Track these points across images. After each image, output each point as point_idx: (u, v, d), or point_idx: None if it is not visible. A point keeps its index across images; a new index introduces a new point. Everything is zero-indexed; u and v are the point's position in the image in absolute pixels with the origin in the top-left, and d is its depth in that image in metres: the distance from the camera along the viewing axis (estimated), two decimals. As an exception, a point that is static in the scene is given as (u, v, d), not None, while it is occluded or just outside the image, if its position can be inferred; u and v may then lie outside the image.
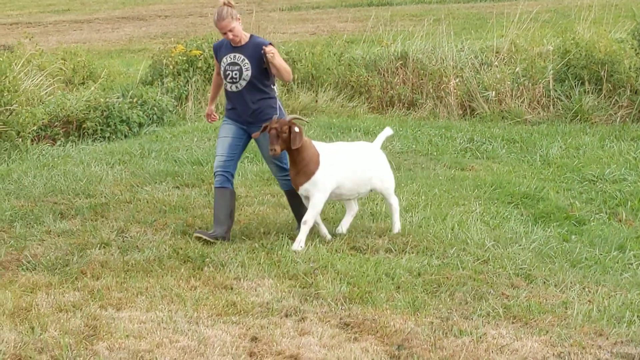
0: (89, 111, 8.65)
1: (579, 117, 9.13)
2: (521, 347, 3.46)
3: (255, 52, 5.07)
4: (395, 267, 4.48)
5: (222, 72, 5.23)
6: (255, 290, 4.12)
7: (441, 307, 3.92)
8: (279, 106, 5.26)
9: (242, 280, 4.28)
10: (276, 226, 5.31)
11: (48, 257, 4.71)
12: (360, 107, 10.40)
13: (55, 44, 16.02)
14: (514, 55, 10.50)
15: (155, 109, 9.39)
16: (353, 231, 5.23)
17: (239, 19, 5.07)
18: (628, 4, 13.74)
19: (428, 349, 3.42)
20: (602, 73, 9.19)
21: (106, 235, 5.16)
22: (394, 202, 5.33)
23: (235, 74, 5.16)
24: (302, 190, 5.09)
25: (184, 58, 10.27)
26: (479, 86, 9.92)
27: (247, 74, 5.12)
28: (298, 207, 5.30)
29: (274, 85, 5.32)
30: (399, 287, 4.20)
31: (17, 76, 8.52)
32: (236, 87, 5.17)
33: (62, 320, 3.66)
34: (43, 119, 8.31)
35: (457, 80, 10.12)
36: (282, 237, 5.03)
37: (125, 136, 8.76)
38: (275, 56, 4.97)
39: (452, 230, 5.23)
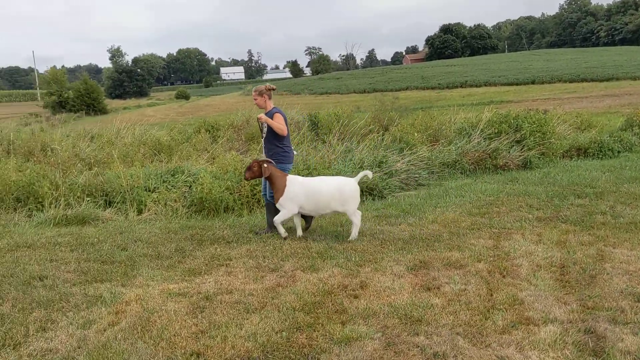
0: (590, 143, 13.21)
1: None
2: None
3: (269, 117, 6.86)
4: None
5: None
6: None
7: None
8: (282, 154, 6.90)
9: None
10: None
11: (575, 215, 7.59)
12: None
13: (568, 109, 25.28)
14: None
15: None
16: None
17: (264, 96, 6.97)
18: None
19: None
20: None
21: (604, 208, 7.90)
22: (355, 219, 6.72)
23: (261, 128, 7.02)
24: (277, 206, 6.75)
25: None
26: None
27: (264, 130, 7.00)
28: (270, 215, 7.07)
29: (282, 141, 6.91)
30: None
31: (552, 125, 13.66)
32: (262, 136, 7.05)
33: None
34: (565, 147, 13.13)
35: None
36: None
37: (601, 158, 12.92)
38: (267, 119, 6.78)
39: None
